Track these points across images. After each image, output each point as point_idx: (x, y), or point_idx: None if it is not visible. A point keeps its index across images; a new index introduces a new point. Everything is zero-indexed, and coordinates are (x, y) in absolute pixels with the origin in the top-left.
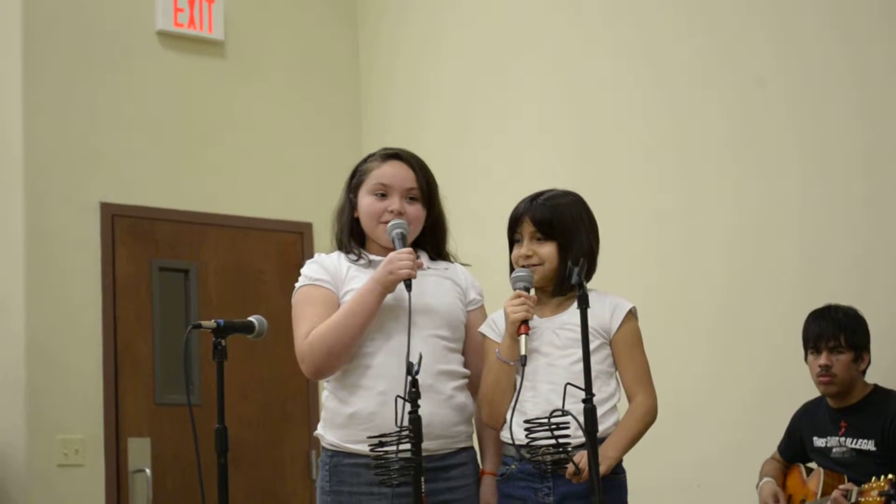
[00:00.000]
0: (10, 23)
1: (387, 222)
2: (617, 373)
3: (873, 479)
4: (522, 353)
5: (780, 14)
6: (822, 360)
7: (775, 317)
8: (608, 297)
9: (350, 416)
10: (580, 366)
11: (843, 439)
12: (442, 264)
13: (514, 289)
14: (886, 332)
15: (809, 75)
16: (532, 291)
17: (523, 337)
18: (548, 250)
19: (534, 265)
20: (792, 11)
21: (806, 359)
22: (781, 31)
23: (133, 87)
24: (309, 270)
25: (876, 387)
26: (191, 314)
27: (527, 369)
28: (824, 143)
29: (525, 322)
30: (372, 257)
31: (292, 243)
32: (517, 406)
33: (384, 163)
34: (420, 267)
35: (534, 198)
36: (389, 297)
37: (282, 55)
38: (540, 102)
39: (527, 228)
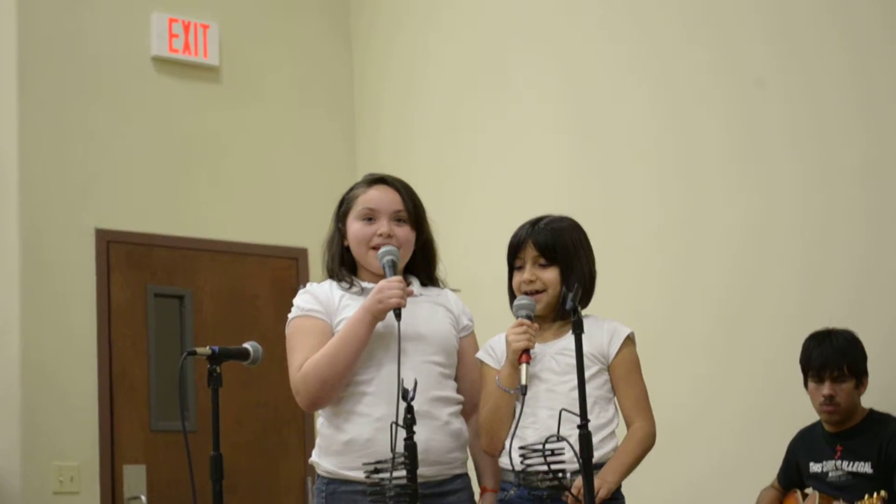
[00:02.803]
0: (6, 48)
1: (377, 247)
2: (615, 398)
3: (866, 496)
4: (523, 382)
5: (782, 21)
6: (826, 389)
7: (773, 335)
8: (606, 323)
9: (346, 444)
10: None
11: (839, 463)
12: (434, 290)
13: (517, 317)
14: (885, 352)
15: (811, 86)
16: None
17: (524, 366)
18: (551, 275)
19: (536, 291)
20: (795, 17)
21: (806, 384)
22: (785, 40)
23: (128, 113)
24: (301, 301)
25: (871, 411)
26: (186, 340)
27: (526, 395)
28: (824, 158)
29: (526, 351)
30: (364, 285)
31: (287, 269)
32: (517, 432)
33: (369, 188)
34: (410, 294)
35: (534, 223)
36: (383, 325)
37: (277, 81)
38: (534, 122)
39: (529, 253)
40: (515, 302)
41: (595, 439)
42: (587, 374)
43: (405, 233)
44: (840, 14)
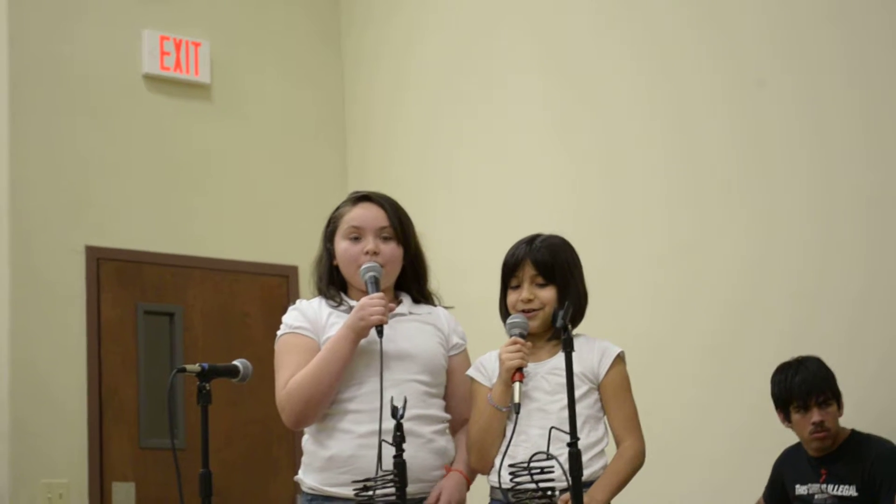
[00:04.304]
0: None
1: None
2: (605, 417)
3: None
4: (516, 400)
5: (795, 47)
6: (816, 416)
7: (766, 359)
8: (597, 342)
9: (328, 460)
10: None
11: (824, 486)
12: (424, 308)
13: (510, 335)
14: (879, 377)
15: (819, 117)
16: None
17: (517, 384)
18: (548, 294)
19: (534, 310)
20: (806, 44)
21: (786, 416)
22: (794, 69)
23: (119, 131)
24: (289, 318)
25: (853, 431)
26: (176, 357)
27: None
28: (824, 190)
29: (520, 369)
30: (353, 303)
31: (278, 286)
32: (508, 451)
33: (355, 206)
34: (391, 311)
35: (530, 241)
36: (366, 342)
37: (268, 99)
38: (527, 139)
39: (527, 272)
40: (509, 320)
41: (584, 458)
42: (577, 393)
43: (391, 249)
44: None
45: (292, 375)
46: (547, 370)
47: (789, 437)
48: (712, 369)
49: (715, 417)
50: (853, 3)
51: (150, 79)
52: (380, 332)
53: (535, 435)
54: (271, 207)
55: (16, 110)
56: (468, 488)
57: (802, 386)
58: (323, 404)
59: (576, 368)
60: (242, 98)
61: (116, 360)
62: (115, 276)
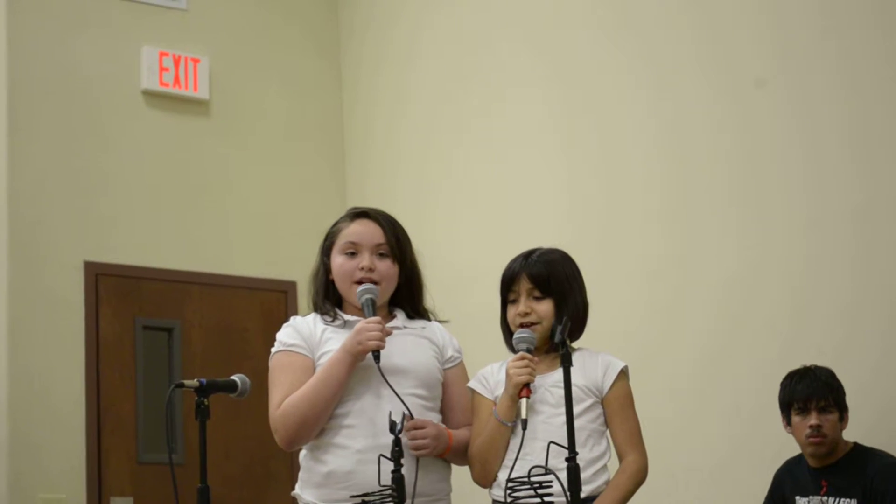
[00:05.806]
0: None
1: (360, 281)
2: (607, 432)
3: None
4: (523, 416)
5: (788, 66)
6: (814, 420)
7: (756, 375)
8: (600, 356)
9: (327, 475)
10: (574, 423)
11: (825, 499)
12: (419, 323)
13: (517, 350)
14: (869, 388)
15: (809, 135)
16: None
17: (524, 400)
18: (545, 307)
19: (532, 323)
20: (799, 59)
21: (789, 421)
22: (789, 86)
23: (118, 146)
24: (283, 335)
25: (856, 444)
26: (174, 373)
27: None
28: (814, 200)
29: (527, 385)
30: (347, 317)
31: (276, 302)
32: (513, 465)
33: (352, 222)
34: (389, 334)
35: (527, 255)
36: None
37: (267, 115)
38: (525, 153)
39: (524, 286)
40: (516, 335)
41: (587, 473)
42: (581, 406)
43: (387, 267)
44: (845, 66)
45: (286, 395)
46: (551, 383)
47: (780, 447)
48: (704, 379)
49: (707, 427)
50: (846, 13)
51: (150, 95)
52: (376, 358)
53: (538, 448)
54: (270, 223)
55: (15, 125)
56: (445, 453)
57: (804, 391)
58: (317, 426)
59: (579, 382)
60: (241, 114)
61: (115, 374)
62: (113, 291)
